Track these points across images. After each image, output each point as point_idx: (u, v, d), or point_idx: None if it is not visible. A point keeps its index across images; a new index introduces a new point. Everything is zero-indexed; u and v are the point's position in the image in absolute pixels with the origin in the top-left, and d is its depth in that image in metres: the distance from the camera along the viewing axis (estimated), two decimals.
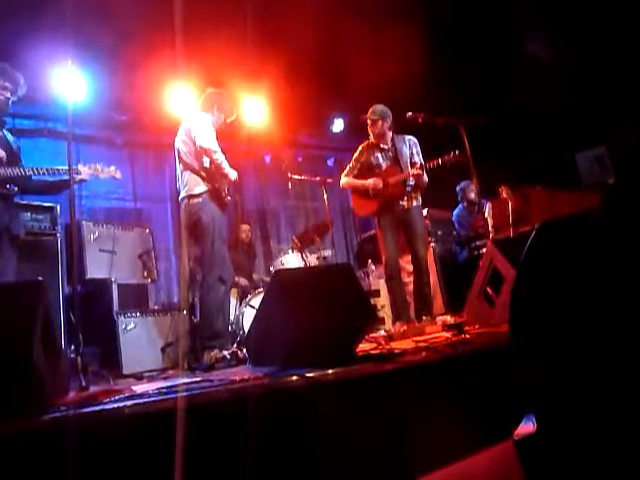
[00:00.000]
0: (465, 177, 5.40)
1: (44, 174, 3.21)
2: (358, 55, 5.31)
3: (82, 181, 3.39)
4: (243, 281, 5.06)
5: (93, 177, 3.42)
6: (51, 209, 4.14)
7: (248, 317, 4.30)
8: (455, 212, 6.01)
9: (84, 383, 2.28)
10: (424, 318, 4.07)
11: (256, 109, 5.96)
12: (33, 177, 3.25)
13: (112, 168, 3.54)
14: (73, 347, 2.63)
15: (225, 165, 3.65)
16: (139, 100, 5.35)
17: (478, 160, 4.13)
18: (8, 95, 3.22)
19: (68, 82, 3.79)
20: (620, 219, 1.03)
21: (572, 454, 0.98)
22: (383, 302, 5.48)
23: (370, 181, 4.28)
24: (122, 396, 1.83)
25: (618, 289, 0.98)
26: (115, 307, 4.08)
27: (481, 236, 5.31)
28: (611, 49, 5.10)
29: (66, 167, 3.07)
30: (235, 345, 3.69)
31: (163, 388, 1.95)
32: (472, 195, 5.72)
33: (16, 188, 3.22)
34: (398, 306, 4.25)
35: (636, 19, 4.80)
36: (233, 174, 3.71)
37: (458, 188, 5.92)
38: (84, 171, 3.35)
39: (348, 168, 4.50)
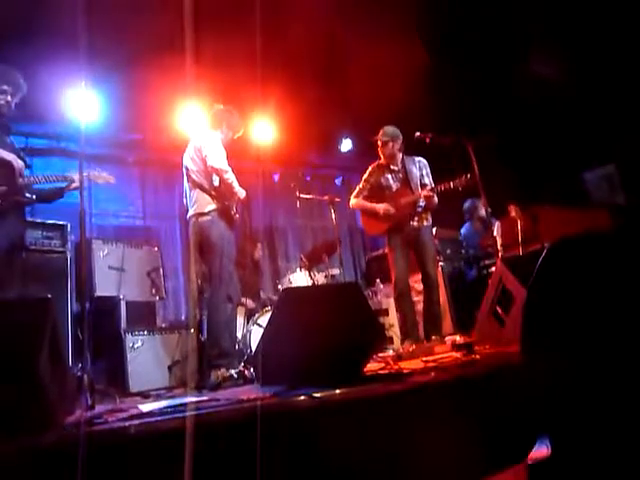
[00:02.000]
0: (472, 196, 5.39)
1: (44, 182, 3.26)
2: (366, 75, 5.36)
3: (77, 189, 3.39)
4: (250, 303, 5.04)
5: (89, 184, 3.44)
6: (62, 227, 4.17)
7: (255, 336, 4.26)
8: (462, 231, 5.98)
9: (90, 401, 2.27)
10: (433, 337, 4.03)
11: (265, 128, 6.01)
12: (34, 186, 3.30)
13: (104, 173, 3.56)
14: (80, 365, 2.61)
15: (235, 184, 3.68)
16: (150, 120, 5.42)
17: (486, 179, 4.12)
18: (9, 98, 3.15)
19: (81, 103, 3.85)
20: (633, 237, 1.01)
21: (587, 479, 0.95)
22: (391, 321, 5.43)
23: (381, 206, 4.28)
24: (128, 415, 1.82)
25: (634, 309, 0.96)
26: (123, 325, 4.07)
27: (490, 255, 5.27)
28: (620, 68, 5.11)
29: (63, 175, 3.26)
30: (242, 364, 3.66)
31: (170, 407, 1.94)
32: (483, 212, 5.69)
33: (34, 196, 3.26)
34: (407, 325, 4.21)
35: None
36: (242, 193, 3.74)
37: (466, 206, 5.90)
38: (78, 178, 3.36)
39: (358, 189, 4.51)
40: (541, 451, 1.02)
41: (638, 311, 0.96)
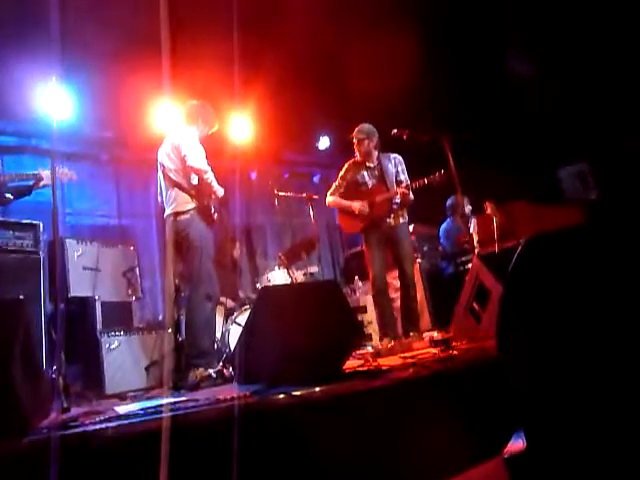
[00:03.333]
0: (449, 192, 5.44)
1: (17, 180, 3.25)
2: (344, 73, 5.37)
3: (45, 186, 3.42)
4: (229, 302, 5.01)
5: (61, 182, 3.47)
6: (34, 227, 4.07)
7: (234, 335, 4.24)
8: (443, 226, 6.04)
9: (66, 404, 2.23)
10: (411, 334, 4.07)
11: (242, 126, 5.97)
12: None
13: (66, 169, 3.63)
14: (55, 367, 2.57)
15: (214, 183, 3.67)
16: (124, 116, 5.33)
17: (463, 176, 4.17)
18: None
19: (52, 99, 3.76)
20: (604, 233, 1.04)
21: (562, 472, 0.98)
22: (370, 318, 5.46)
23: (356, 204, 4.29)
24: (105, 417, 1.79)
25: (606, 303, 0.99)
26: (98, 326, 4.00)
27: (466, 251, 5.34)
28: (594, 67, 5.22)
29: (33, 172, 3.34)
30: (221, 363, 3.64)
31: (147, 408, 1.92)
32: (469, 208, 5.74)
33: (12, 196, 3.24)
34: (385, 322, 4.24)
35: (618, 37, 4.93)
36: (220, 191, 3.74)
37: (449, 203, 5.95)
38: (46, 175, 3.38)
39: (334, 186, 4.53)
40: (517, 445, 1.04)
41: (611, 306, 0.99)
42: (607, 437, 0.95)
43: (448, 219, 6.03)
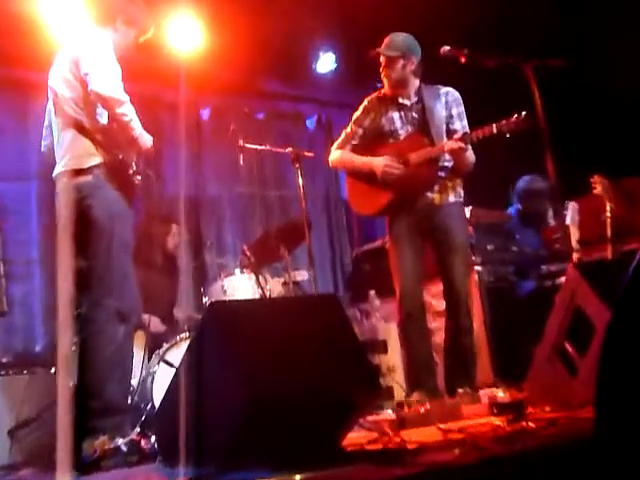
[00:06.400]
0: (535, 163, 5.41)
1: None
2: None
3: None
4: (155, 322, 5.03)
5: None
6: None
7: (161, 381, 4.26)
8: (512, 212, 6.10)
9: None
10: (460, 390, 4.09)
11: (190, 33, 5.96)
12: None
13: None
14: None
15: (135, 125, 3.66)
16: None
17: (555, 133, 4.14)
18: None
19: None
20: None
21: None
22: (392, 361, 5.49)
23: (379, 160, 4.29)
24: None
25: None
26: None
27: (557, 255, 5.35)
28: None
29: None
30: (137, 429, 3.65)
31: None
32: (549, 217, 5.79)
33: None
34: (417, 369, 4.27)
35: None
36: (147, 140, 3.75)
37: (521, 184, 5.98)
38: None
39: (344, 135, 4.55)
40: None
41: None
42: None
43: (512, 207, 6.07)
